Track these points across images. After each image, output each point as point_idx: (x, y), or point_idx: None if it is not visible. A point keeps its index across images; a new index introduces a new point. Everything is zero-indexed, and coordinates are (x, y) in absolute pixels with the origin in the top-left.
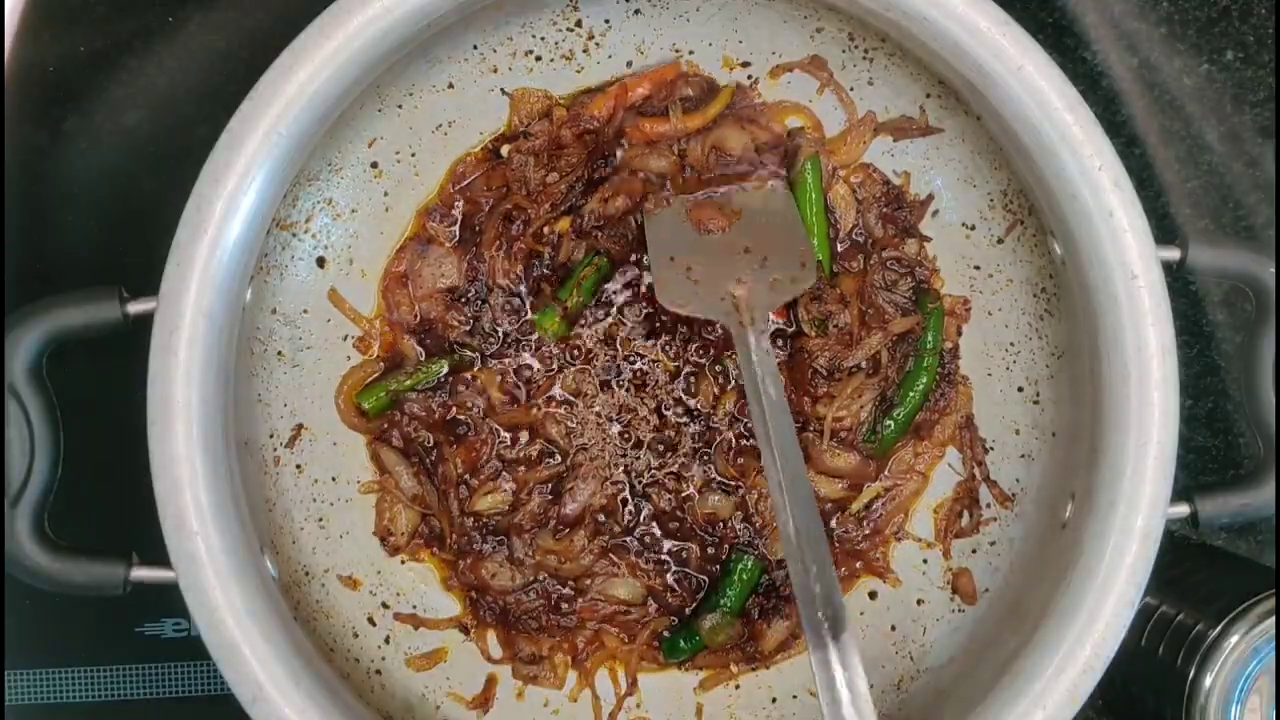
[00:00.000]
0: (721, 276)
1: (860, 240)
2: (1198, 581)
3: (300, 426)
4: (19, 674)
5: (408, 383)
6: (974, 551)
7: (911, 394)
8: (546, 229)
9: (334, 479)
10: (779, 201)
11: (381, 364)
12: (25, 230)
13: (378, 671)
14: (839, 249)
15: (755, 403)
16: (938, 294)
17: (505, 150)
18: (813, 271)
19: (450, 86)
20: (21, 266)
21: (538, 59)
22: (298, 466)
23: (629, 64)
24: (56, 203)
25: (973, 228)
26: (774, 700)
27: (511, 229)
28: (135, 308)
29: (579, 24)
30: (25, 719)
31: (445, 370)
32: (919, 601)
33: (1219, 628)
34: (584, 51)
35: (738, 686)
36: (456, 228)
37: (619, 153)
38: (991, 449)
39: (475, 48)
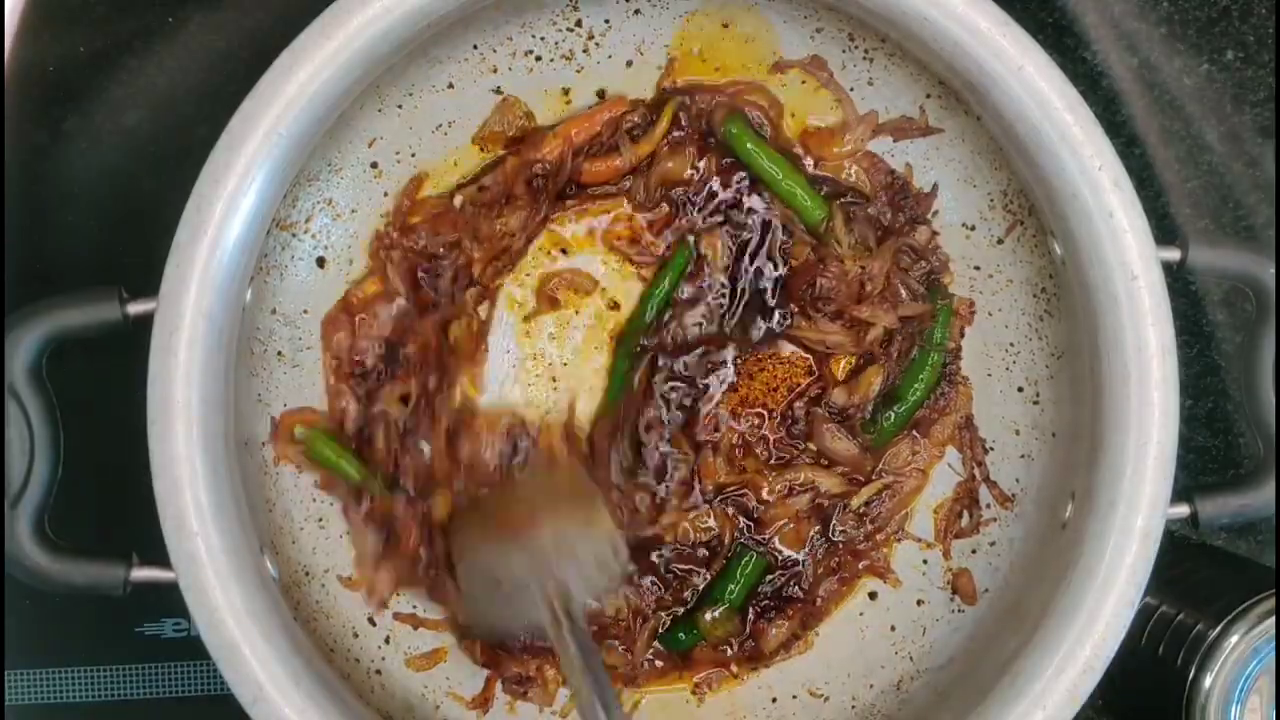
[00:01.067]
0: (532, 579)
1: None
2: (1198, 581)
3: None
4: (19, 674)
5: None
6: (974, 552)
7: (915, 387)
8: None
9: None
10: (574, 478)
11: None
12: (25, 230)
13: (378, 671)
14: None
15: (581, 683)
16: (948, 291)
17: (458, 200)
18: (625, 557)
19: (450, 86)
20: (21, 266)
21: (538, 59)
22: (297, 466)
23: (629, 63)
24: (56, 203)
25: (973, 228)
26: (774, 700)
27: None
28: (135, 308)
29: (579, 24)
30: (25, 719)
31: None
32: (919, 602)
33: (1219, 628)
34: (584, 51)
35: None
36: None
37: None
38: (991, 449)
39: (475, 48)
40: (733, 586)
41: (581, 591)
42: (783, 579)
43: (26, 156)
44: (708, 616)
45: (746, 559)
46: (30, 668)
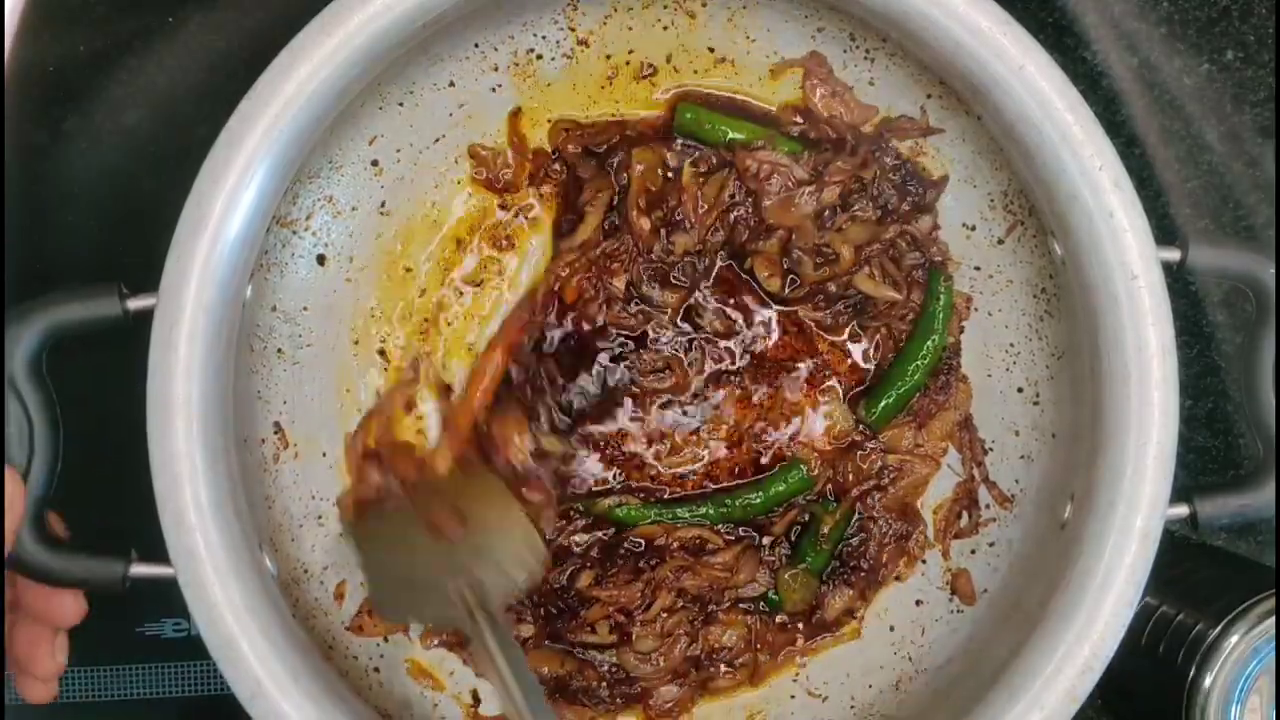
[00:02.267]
0: (444, 577)
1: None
2: (1198, 581)
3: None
4: None
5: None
6: (973, 552)
7: (915, 367)
8: None
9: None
10: (491, 487)
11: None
12: (25, 230)
13: (376, 669)
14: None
15: (504, 678)
16: (950, 275)
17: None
18: (540, 555)
19: (451, 84)
20: (21, 266)
21: (539, 57)
22: (296, 457)
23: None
24: (56, 203)
25: (973, 228)
26: (773, 699)
27: None
28: (135, 304)
29: (580, 24)
30: (25, 719)
31: None
32: (918, 602)
33: (1219, 628)
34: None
35: (795, 678)
36: None
37: None
38: (991, 449)
39: (476, 46)
40: (811, 549)
41: (498, 591)
42: (855, 539)
43: (26, 156)
44: (787, 578)
45: (828, 511)
46: None
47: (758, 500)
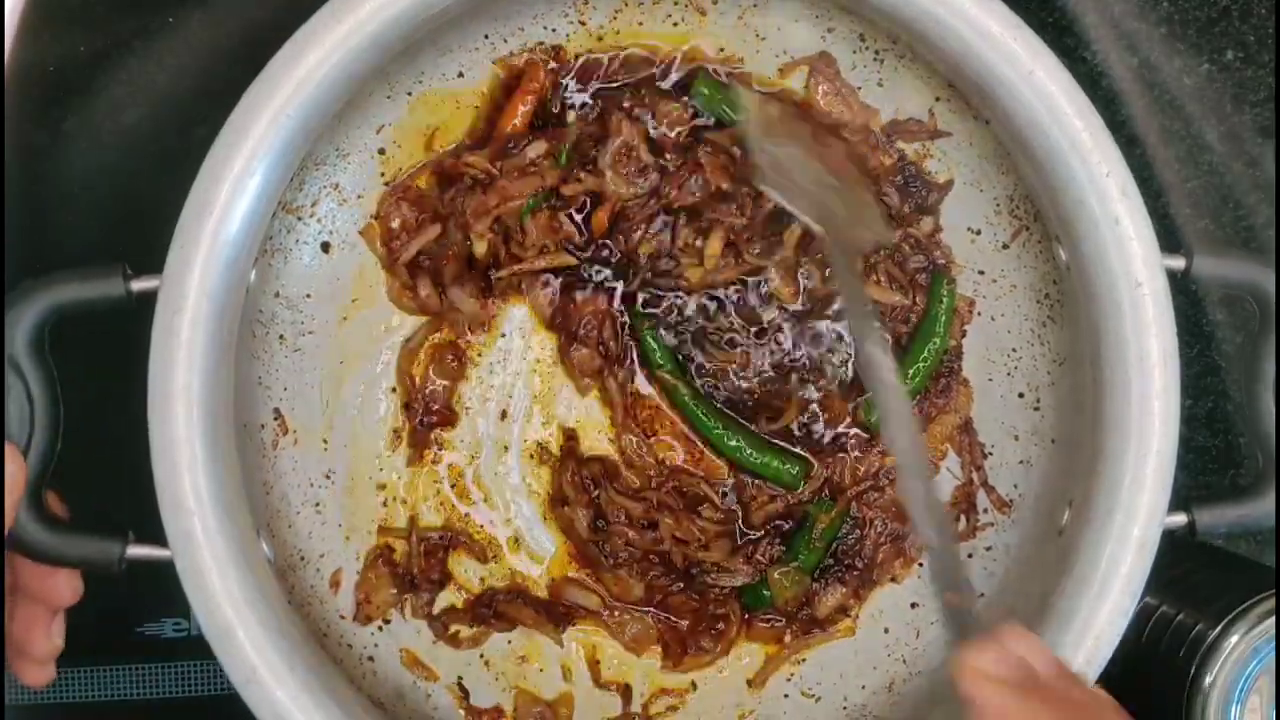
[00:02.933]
0: (821, 194)
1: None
2: (1198, 581)
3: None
4: None
5: None
6: (970, 556)
7: (916, 369)
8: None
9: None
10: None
11: None
12: (25, 231)
13: (370, 658)
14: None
15: (855, 305)
16: (953, 279)
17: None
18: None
19: (460, 75)
20: (21, 267)
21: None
22: (295, 444)
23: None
24: (56, 203)
25: (978, 232)
26: (766, 700)
27: None
28: (139, 285)
29: (590, 18)
30: (25, 719)
31: None
32: (913, 605)
33: (1219, 628)
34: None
35: (789, 678)
36: None
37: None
38: (990, 454)
39: (486, 37)
40: (804, 546)
41: (854, 238)
42: (851, 538)
43: (26, 156)
44: (777, 575)
45: (823, 509)
46: None
47: (752, 456)
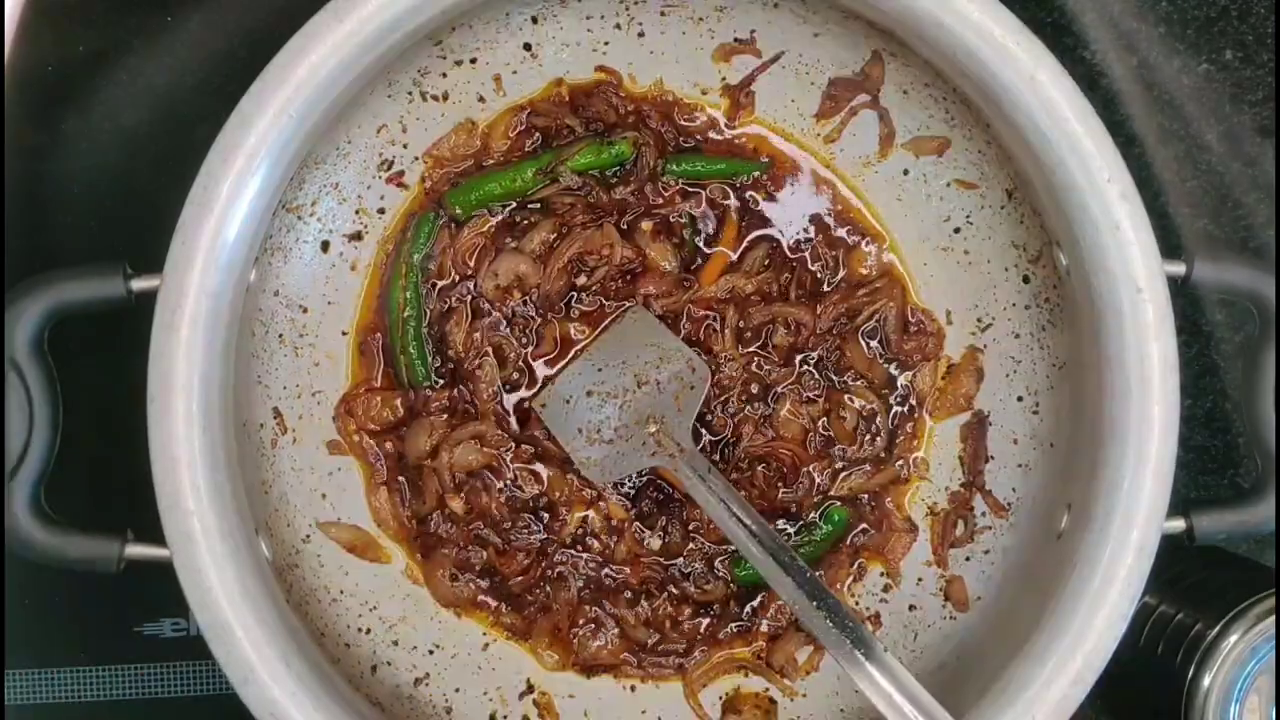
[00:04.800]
0: (632, 425)
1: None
2: (1197, 581)
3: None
4: (19, 674)
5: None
6: (968, 559)
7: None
8: None
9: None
10: (641, 323)
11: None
12: (25, 231)
13: (371, 667)
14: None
15: (722, 514)
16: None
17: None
18: (703, 366)
19: (459, 74)
20: (21, 267)
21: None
22: (294, 443)
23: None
24: (56, 203)
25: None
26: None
27: None
28: (139, 284)
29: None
30: (25, 719)
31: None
32: (911, 607)
33: (1218, 627)
34: (605, 43)
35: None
36: None
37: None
38: (990, 458)
39: (486, 37)
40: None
41: (682, 423)
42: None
43: (26, 157)
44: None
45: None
46: (30, 668)
47: None
